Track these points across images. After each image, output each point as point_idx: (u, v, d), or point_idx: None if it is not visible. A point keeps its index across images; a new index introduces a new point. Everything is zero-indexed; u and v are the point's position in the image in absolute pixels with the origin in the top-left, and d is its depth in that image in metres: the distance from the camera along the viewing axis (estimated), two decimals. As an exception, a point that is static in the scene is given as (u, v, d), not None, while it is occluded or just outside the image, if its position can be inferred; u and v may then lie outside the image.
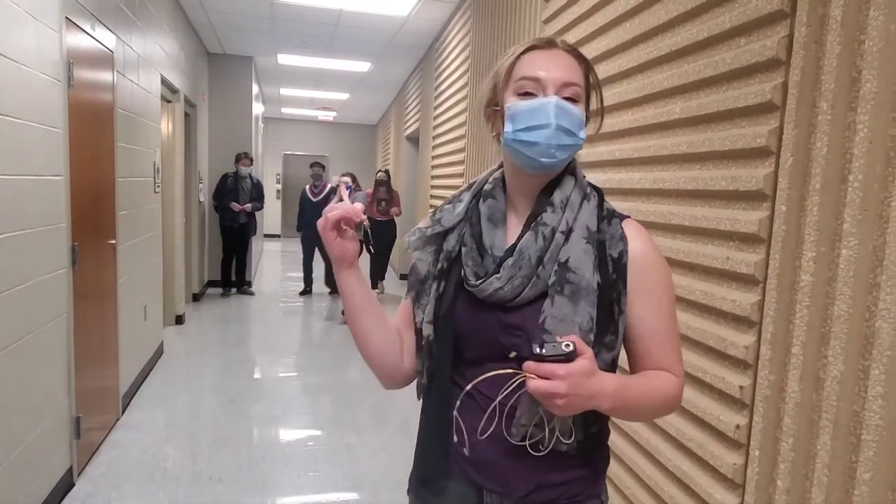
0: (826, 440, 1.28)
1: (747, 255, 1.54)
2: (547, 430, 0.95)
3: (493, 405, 0.96)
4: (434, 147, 6.17)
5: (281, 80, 9.44)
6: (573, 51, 1.02)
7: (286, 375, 4.63)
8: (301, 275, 7.74)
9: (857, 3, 1.24)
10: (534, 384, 0.85)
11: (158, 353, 4.73)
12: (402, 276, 8.91)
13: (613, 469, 2.16)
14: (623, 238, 1.00)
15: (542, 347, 0.85)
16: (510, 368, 0.90)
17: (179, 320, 5.75)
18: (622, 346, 1.02)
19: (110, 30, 3.39)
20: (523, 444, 0.96)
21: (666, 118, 1.90)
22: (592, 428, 1.01)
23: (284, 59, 7.74)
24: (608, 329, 0.97)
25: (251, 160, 7.24)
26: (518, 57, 1.00)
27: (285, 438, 3.47)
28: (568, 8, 2.71)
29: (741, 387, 1.53)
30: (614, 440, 2.09)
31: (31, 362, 2.36)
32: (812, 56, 1.34)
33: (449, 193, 5.45)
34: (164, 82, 4.95)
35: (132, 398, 3.86)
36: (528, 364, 0.87)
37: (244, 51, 7.47)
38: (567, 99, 0.96)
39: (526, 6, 3.39)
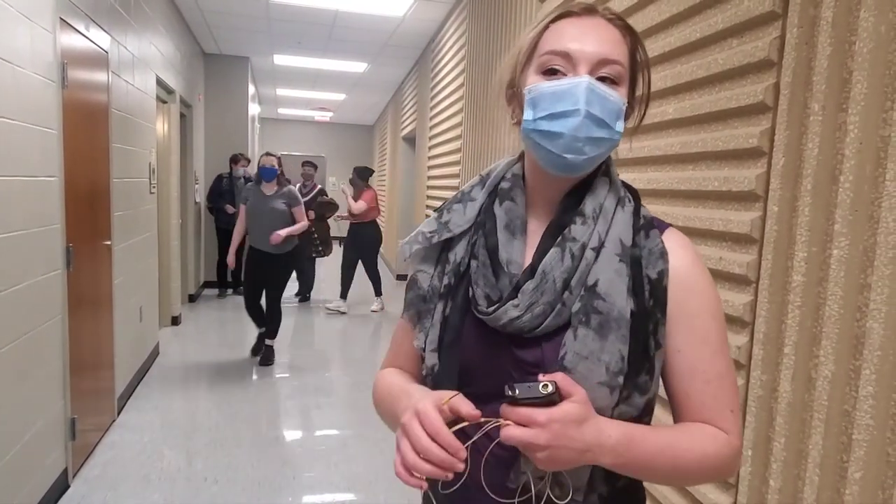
0: (818, 440, 1.28)
1: (740, 255, 1.55)
2: (533, 485, 0.77)
3: (464, 457, 0.74)
4: (430, 148, 6.17)
5: (277, 81, 9.43)
6: (617, 20, 0.82)
7: (282, 376, 4.62)
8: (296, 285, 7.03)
9: (847, 5, 1.24)
10: (507, 432, 0.69)
11: (154, 354, 4.73)
12: (400, 277, 8.84)
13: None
14: (663, 254, 0.81)
15: (513, 389, 0.70)
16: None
17: (175, 321, 5.75)
18: (660, 385, 0.84)
19: (105, 30, 3.39)
20: (512, 500, 0.79)
21: (659, 119, 1.91)
22: (620, 481, 0.82)
23: (280, 59, 7.74)
24: (642, 368, 0.79)
25: (248, 161, 7.24)
26: (546, 27, 0.81)
27: (281, 439, 3.47)
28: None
29: (734, 387, 1.53)
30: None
31: (25, 364, 2.36)
32: (803, 57, 1.35)
33: (445, 194, 5.40)
34: (160, 83, 4.94)
35: (128, 399, 3.85)
36: (503, 408, 0.71)
37: (240, 51, 7.47)
38: (604, 80, 0.78)
39: (521, 7, 3.40)
